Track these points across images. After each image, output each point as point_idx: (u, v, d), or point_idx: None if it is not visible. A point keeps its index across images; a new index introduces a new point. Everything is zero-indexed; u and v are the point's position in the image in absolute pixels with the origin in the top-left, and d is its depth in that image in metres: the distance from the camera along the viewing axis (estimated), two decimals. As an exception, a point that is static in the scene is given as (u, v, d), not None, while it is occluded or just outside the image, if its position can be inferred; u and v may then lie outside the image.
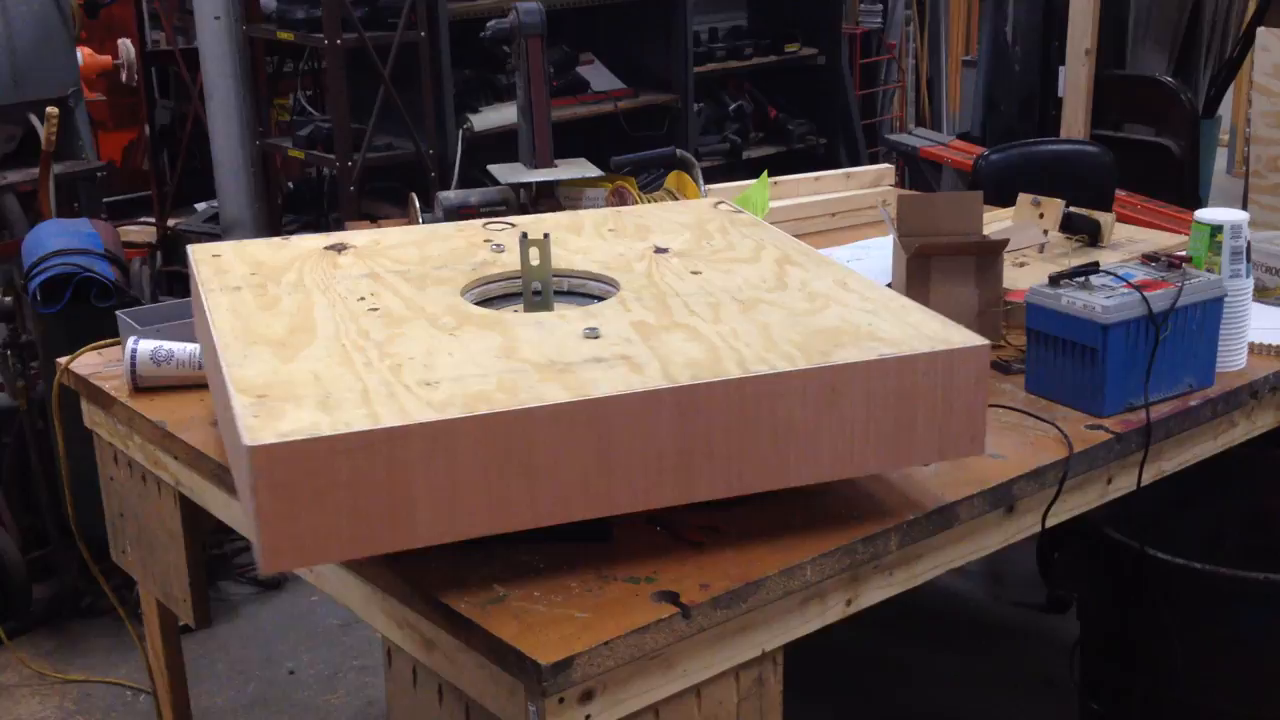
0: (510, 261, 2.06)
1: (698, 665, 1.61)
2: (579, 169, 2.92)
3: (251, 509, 1.46)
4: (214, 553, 3.66)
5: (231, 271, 2.03)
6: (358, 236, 2.22)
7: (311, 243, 2.17)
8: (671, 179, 2.79)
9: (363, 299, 1.90)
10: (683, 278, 2.00)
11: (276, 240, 2.18)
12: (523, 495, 1.54)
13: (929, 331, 1.74)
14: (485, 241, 2.19)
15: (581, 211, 2.46)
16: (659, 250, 2.12)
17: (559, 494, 1.56)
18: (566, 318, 1.84)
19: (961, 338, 1.72)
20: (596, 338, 1.74)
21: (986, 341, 1.73)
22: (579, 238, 2.22)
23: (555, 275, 2.00)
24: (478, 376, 1.61)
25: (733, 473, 1.63)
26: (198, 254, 2.11)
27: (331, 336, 1.76)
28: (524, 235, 1.95)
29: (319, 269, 2.04)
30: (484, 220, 2.31)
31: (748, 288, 1.94)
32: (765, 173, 2.95)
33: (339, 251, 2.12)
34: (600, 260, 2.09)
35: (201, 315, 1.94)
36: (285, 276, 2.00)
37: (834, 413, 1.65)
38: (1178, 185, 4.73)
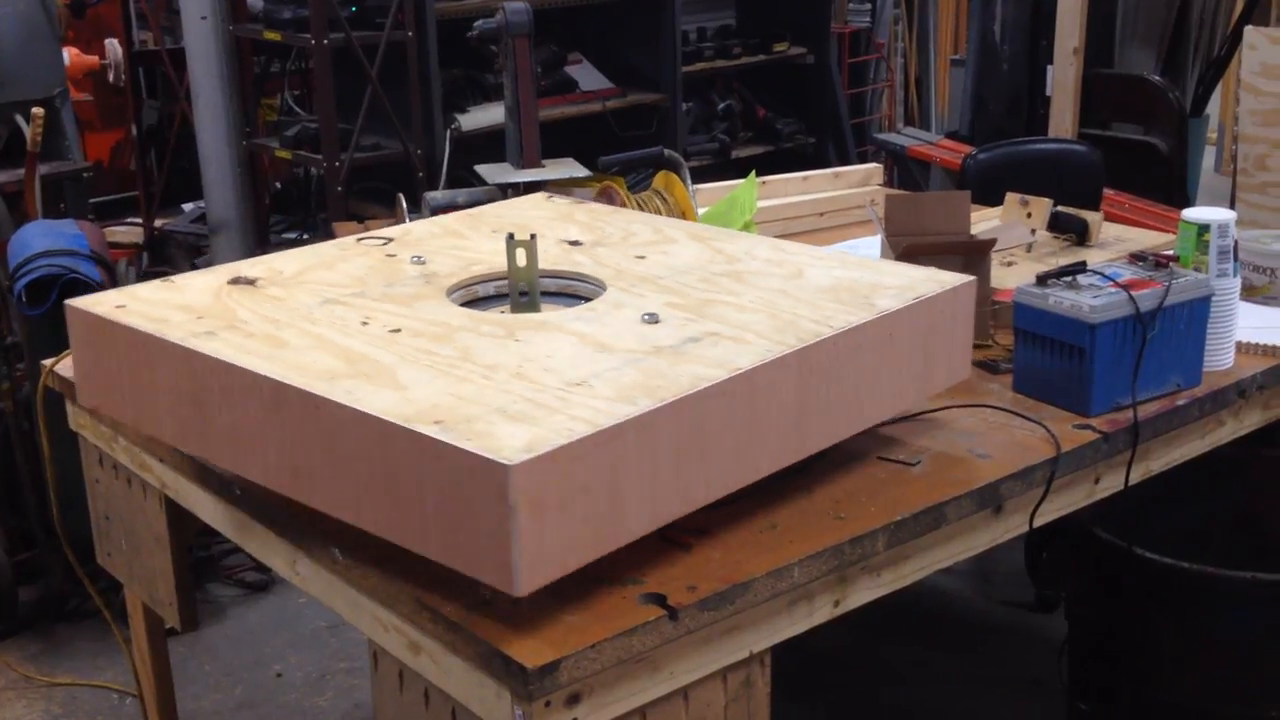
0: (443, 271, 2.02)
1: (685, 667, 1.60)
2: (566, 169, 2.92)
3: (507, 529, 1.40)
4: (201, 554, 3.65)
5: (170, 319, 1.81)
6: (252, 268, 2.03)
7: (202, 280, 1.98)
8: (659, 179, 2.78)
9: (367, 322, 1.80)
10: (643, 264, 2.04)
11: (158, 282, 1.97)
12: (700, 474, 1.60)
13: (919, 275, 1.95)
14: (390, 256, 2.09)
15: (439, 218, 2.38)
16: (573, 243, 2.14)
17: (724, 468, 1.64)
18: (613, 309, 1.86)
19: (951, 277, 1.95)
20: (658, 322, 1.79)
21: (972, 277, 1.96)
22: (468, 239, 2.21)
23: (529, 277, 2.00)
24: (612, 370, 1.63)
25: (830, 424, 1.78)
26: (101, 310, 1.85)
27: (402, 361, 1.66)
28: (510, 236, 1.94)
29: (263, 305, 1.87)
30: (358, 235, 2.21)
31: (708, 264, 2.04)
32: (753, 172, 2.95)
33: (251, 284, 1.95)
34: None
35: (198, 363, 1.72)
36: (238, 315, 1.84)
37: (891, 355, 1.84)
38: (1166, 184, 4.74)
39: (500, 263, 2.01)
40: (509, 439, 1.43)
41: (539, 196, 2.52)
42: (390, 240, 2.19)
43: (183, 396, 1.76)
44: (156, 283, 1.98)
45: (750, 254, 2.10)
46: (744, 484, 1.68)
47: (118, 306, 1.87)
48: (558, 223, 2.31)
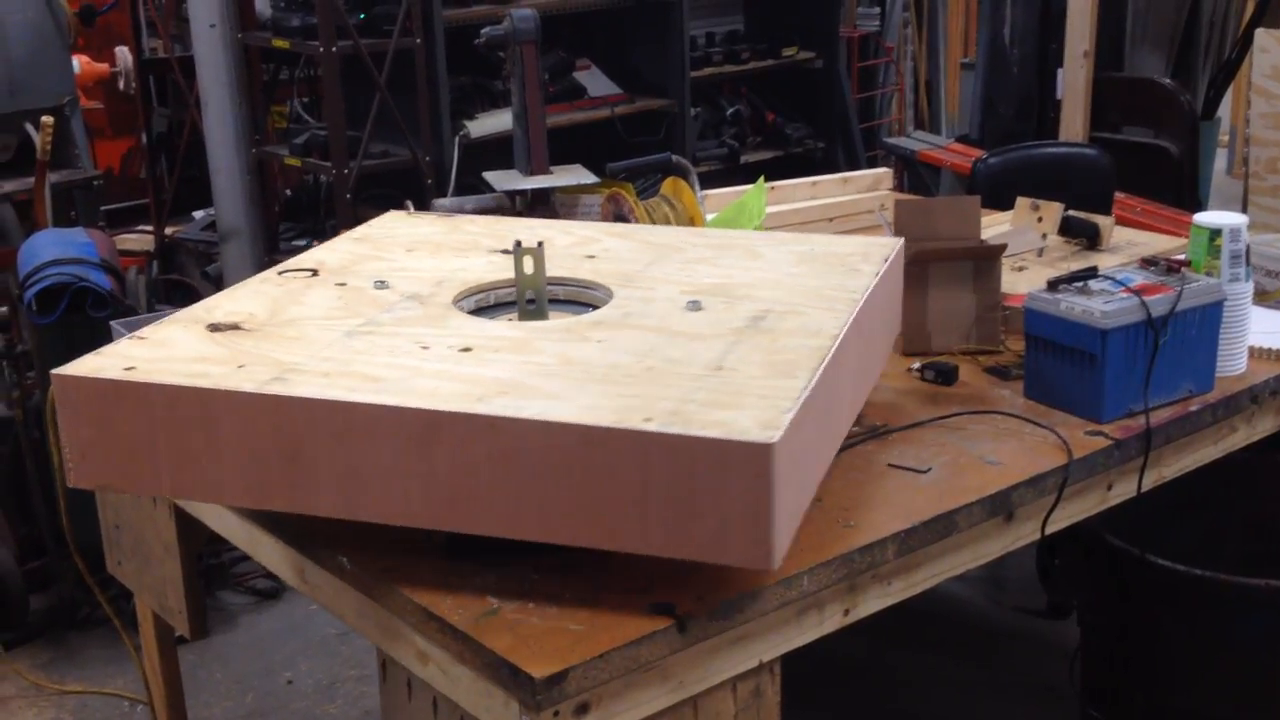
0: (422, 291, 1.97)
1: (694, 677, 1.59)
2: (574, 176, 2.91)
3: (766, 507, 1.44)
4: (212, 562, 3.65)
5: (208, 372, 1.66)
6: (211, 313, 1.88)
7: (174, 331, 1.81)
8: (667, 185, 2.77)
9: (427, 347, 1.73)
10: (604, 263, 2.09)
11: (129, 340, 1.79)
12: (829, 436, 1.77)
13: (862, 242, 2.15)
14: (341, 285, 1.99)
15: (333, 242, 2.28)
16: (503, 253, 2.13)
17: (841, 427, 1.86)
18: (645, 305, 1.90)
19: (889, 240, 2.17)
20: (702, 308, 1.86)
21: (899, 240, 2.14)
22: (393, 258, 2.14)
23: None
24: (728, 352, 1.70)
25: (860, 392, 1.98)
26: (112, 374, 1.65)
27: (522, 373, 1.64)
28: (517, 244, 1.93)
29: (284, 346, 1.75)
30: (279, 269, 2.07)
31: (664, 256, 2.12)
32: (762, 178, 2.94)
33: (236, 328, 1.81)
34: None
35: (293, 412, 1.57)
36: (278, 359, 1.70)
37: (878, 318, 2.02)
38: (1177, 187, 4.71)
39: (454, 278, 2.01)
40: (743, 422, 1.47)
41: (428, 215, 2.44)
42: (315, 271, 2.05)
43: (262, 451, 1.59)
44: (128, 340, 1.78)
45: (689, 243, 2.19)
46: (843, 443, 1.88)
47: (127, 369, 1.66)
48: (453, 235, 2.28)
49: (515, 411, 1.51)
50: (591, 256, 2.13)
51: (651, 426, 1.46)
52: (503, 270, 2.05)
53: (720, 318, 1.83)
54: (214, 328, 1.81)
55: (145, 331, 1.82)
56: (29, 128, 4.05)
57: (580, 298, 2.02)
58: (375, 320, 1.85)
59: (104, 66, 6.21)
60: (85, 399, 1.65)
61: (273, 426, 1.58)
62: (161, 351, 1.73)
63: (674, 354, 1.70)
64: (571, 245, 2.20)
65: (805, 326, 1.77)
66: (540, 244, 1.93)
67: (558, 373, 1.64)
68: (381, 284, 1.99)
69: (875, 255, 2.08)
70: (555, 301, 2.00)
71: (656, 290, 1.96)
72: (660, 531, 1.49)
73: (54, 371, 1.66)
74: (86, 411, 1.66)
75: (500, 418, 1.51)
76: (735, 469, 1.43)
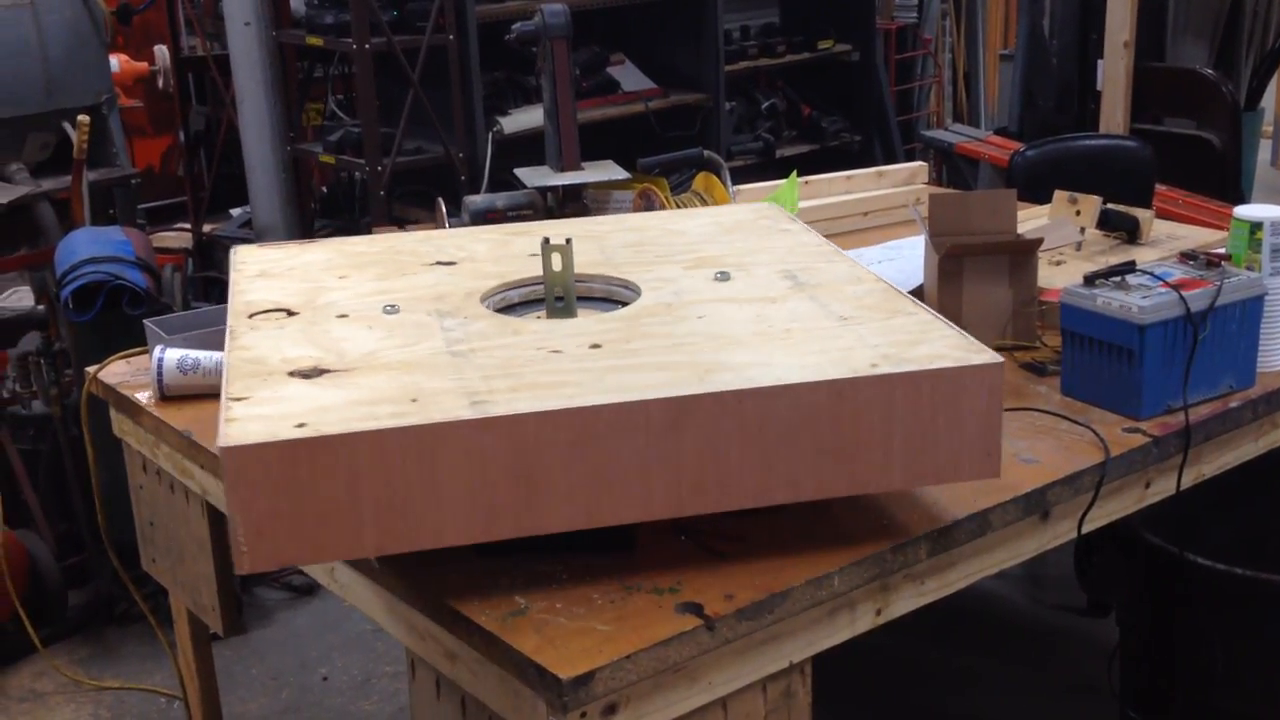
0: (423, 308, 1.88)
1: (723, 678, 1.58)
2: (606, 172, 2.90)
3: (996, 420, 1.62)
4: (248, 558, 3.66)
5: (374, 413, 1.51)
6: (268, 364, 1.69)
7: (277, 387, 1.61)
8: (699, 180, 2.76)
9: (559, 351, 1.70)
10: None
11: (241, 405, 1.55)
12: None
13: (943, 349, 1.84)
14: (343, 317, 1.84)
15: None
16: (445, 264, 2.06)
17: None
18: (676, 285, 1.94)
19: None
20: (730, 279, 1.94)
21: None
22: (352, 282, 1.99)
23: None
24: (828, 305, 1.82)
25: None
26: (303, 433, 1.47)
27: (711, 349, 1.68)
28: (545, 241, 1.92)
29: (413, 374, 1.63)
30: (250, 312, 1.87)
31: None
32: (794, 172, 2.92)
33: (328, 374, 1.65)
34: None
35: (525, 428, 1.49)
36: (425, 384, 1.59)
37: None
38: (1219, 179, 4.65)
39: (437, 292, 1.93)
40: (953, 351, 1.64)
41: (270, 246, 2.22)
42: (292, 313, 1.86)
43: (490, 479, 1.50)
44: (242, 404, 1.55)
45: (605, 231, 2.22)
46: None
47: (299, 425, 1.47)
48: (339, 257, 2.15)
49: (757, 381, 1.55)
50: (535, 255, 2.01)
51: (889, 369, 1.58)
52: (453, 280, 1.98)
53: (759, 283, 1.93)
54: (307, 375, 1.63)
55: (244, 393, 1.58)
56: (67, 126, 4.08)
57: (594, 294, 2.01)
58: (458, 339, 1.75)
59: (143, 65, 6.26)
60: (268, 468, 1.44)
61: (506, 449, 1.49)
62: (304, 404, 1.54)
63: (788, 316, 1.79)
64: (431, 253, 2.10)
65: (836, 275, 1.93)
66: (568, 241, 1.92)
67: (727, 344, 1.69)
68: (392, 308, 1.86)
69: (770, 213, 2.27)
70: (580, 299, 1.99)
71: (661, 272, 1.99)
72: (902, 467, 1.62)
73: (222, 446, 1.43)
74: (269, 482, 1.44)
75: (748, 389, 1.54)
76: (970, 392, 1.59)
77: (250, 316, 1.84)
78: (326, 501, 1.46)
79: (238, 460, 1.43)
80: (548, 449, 1.50)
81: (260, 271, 2.04)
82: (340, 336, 1.76)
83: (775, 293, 1.89)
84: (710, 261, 2.04)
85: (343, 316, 1.84)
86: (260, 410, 1.52)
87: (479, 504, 1.50)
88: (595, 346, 1.70)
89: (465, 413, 1.48)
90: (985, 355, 1.63)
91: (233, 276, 2.03)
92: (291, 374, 1.63)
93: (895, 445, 1.60)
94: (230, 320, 1.83)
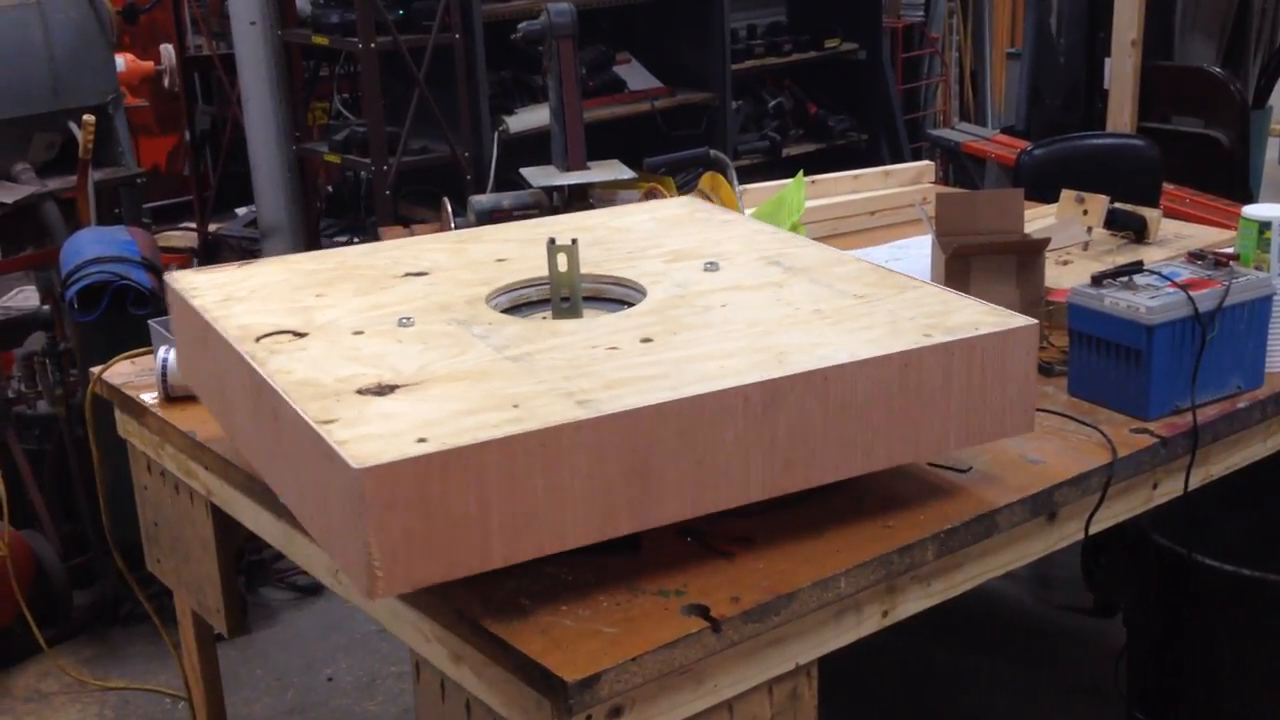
0: (436, 317, 1.85)
1: (729, 680, 1.57)
2: (612, 171, 2.89)
3: (1031, 376, 1.76)
4: (253, 558, 3.66)
5: (505, 419, 1.49)
6: (325, 383, 1.63)
7: (359, 406, 1.56)
8: (705, 180, 2.75)
9: (615, 348, 1.71)
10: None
11: (334, 418, 1.52)
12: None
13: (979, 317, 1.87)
14: (358, 334, 1.79)
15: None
16: (418, 274, 2.03)
17: None
18: (673, 275, 1.97)
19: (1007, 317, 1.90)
20: (719, 269, 1.97)
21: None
22: (332, 302, 1.92)
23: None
24: (842, 284, 1.91)
25: None
26: (409, 449, 1.42)
27: (763, 333, 1.73)
28: (551, 241, 1.91)
29: (492, 382, 1.61)
30: (258, 336, 1.79)
31: (607, 239, 2.18)
32: (801, 172, 2.90)
33: (396, 390, 1.60)
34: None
35: (635, 421, 1.50)
36: (510, 390, 1.58)
37: None
38: (1227, 178, 4.63)
39: (428, 303, 1.89)
40: (986, 318, 1.75)
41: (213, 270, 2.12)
42: (302, 335, 1.78)
43: (608, 477, 1.50)
44: (334, 426, 1.49)
45: (588, 225, 2.23)
46: None
47: (420, 440, 1.44)
48: (314, 275, 2.09)
49: (832, 359, 1.62)
50: (503, 260, 2.06)
51: (944, 338, 1.68)
52: (441, 290, 1.94)
53: (750, 271, 1.98)
54: (379, 392, 1.58)
55: (326, 415, 1.51)
56: (72, 126, 4.08)
57: (585, 293, 1.99)
58: (501, 345, 1.72)
59: (149, 64, 6.27)
60: (402, 486, 1.39)
61: (622, 445, 1.50)
62: (404, 421, 1.50)
63: (805, 298, 1.85)
64: (390, 265, 2.06)
65: (816, 258, 2.01)
66: (574, 241, 1.91)
67: (757, 331, 1.74)
68: (407, 321, 1.81)
69: (701, 207, 2.36)
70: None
71: (644, 268, 2.01)
72: (956, 430, 1.72)
73: (360, 468, 1.37)
74: (403, 501, 1.40)
75: (831, 368, 1.61)
76: (1014, 354, 1.72)
77: (258, 340, 1.77)
78: (456, 515, 1.44)
79: (375, 481, 1.38)
80: (658, 442, 1.52)
81: (225, 296, 1.93)
82: (377, 352, 1.71)
83: (773, 278, 1.94)
84: (686, 254, 2.06)
85: (359, 333, 1.78)
86: (363, 430, 1.47)
87: (598, 502, 1.51)
88: (646, 340, 1.72)
89: (579, 413, 1.49)
90: (1021, 319, 1.74)
91: (194, 304, 1.90)
92: (359, 392, 1.59)
93: (952, 409, 1.70)
94: (238, 347, 1.74)
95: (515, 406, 1.52)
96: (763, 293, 1.88)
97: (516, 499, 1.46)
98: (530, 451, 1.45)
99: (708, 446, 1.55)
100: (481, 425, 1.47)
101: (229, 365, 1.77)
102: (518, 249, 2.14)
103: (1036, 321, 1.75)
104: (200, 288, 1.99)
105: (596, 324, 1.82)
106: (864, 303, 1.82)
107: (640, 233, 2.21)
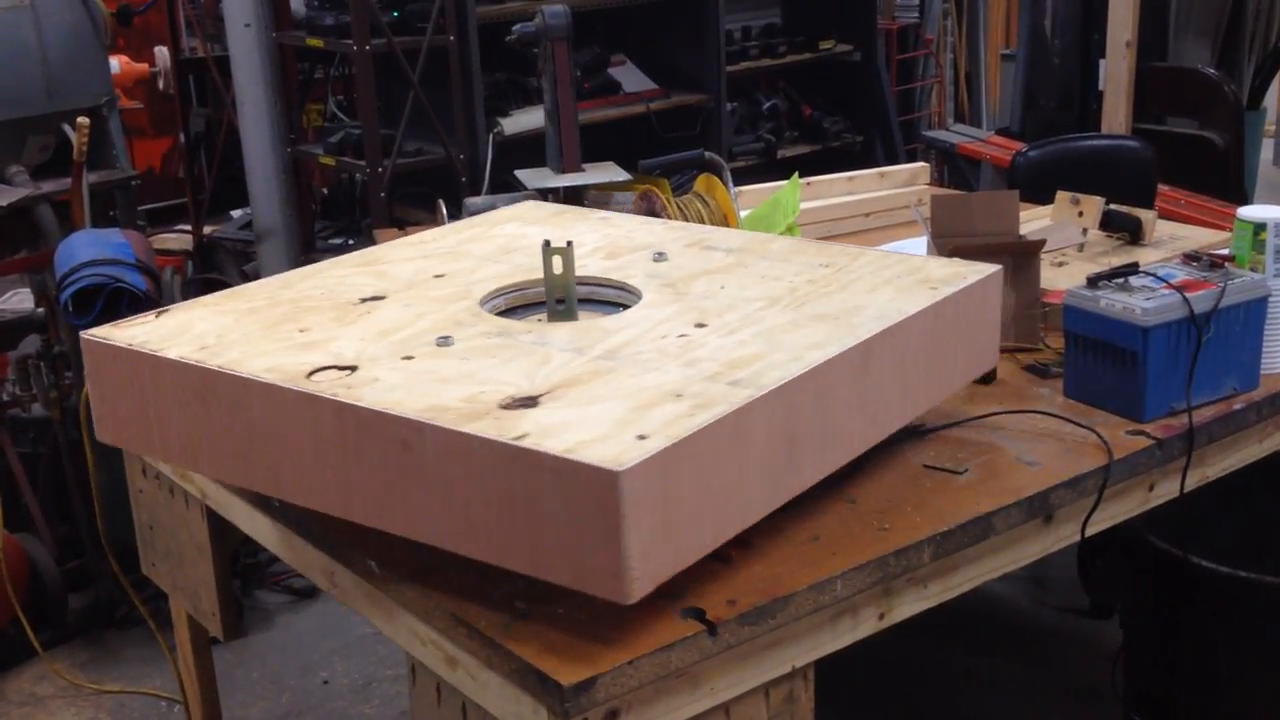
0: (476, 330, 1.82)
1: (726, 683, 1.57)
2: (607, 173, 2.89)
3: (995, 313, 2.00)
4: (248, 561, 3.66)
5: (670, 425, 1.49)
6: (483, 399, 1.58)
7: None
8: (700, 182, 2.75)
9: (666, 337, 1.74)
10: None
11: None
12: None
13: (958, 269, 2.02)
14: (406, 358, 1.71)
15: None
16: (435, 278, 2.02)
17: None
18: (675, 271, 2.00)
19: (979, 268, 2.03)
20: (668, 258, 2.05)
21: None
22: (312, 330, 1.83)
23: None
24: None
25: None
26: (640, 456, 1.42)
27: (783, 328, 1.77)
28: (546, 243, 1.91)
29: (596, 386, 1.61)
30: (306, 374, 1.66)
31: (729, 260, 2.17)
32: (796, 174, 2.90)
33: (534, 402, 1.57)
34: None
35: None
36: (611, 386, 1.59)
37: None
38: (1222, 179, 4.64)
39: (443, 317, 1.85)
40: (962, 269, 1.95)
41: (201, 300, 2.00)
42: (352, 368, 1.67)
43: (773, 449, 1.57)
44: (531, 439, 1.45)
45: (478, 237, 2.26)
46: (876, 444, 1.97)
47: (641, 438, 1.44)
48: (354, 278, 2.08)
49: (892, 319, 1.76)
50: (441, 276, 2.02)
51: (948, 290, 1.86)
52: (428, 308, 1.89)
53: (698, 258, 2.06)
54: (526, 404, 1.54)
55: (502, 434, 1.47)
56: (67, 128, 4.07)
57: (600, 297, 2.00)
58: (565, 347, 1.72)
59: (144, 66, 6.25)
60: (649, 484, 1.41)
61: (784, 418, 1.59)
62: (595, 427, 1.49)
63: (786, 273, 1.95)
64: (341, 292, 1.98)
65: (740, 240, 2.14)
66: (569, 243, 1.91)
67: (793, 301, 1.85)
68: (445, 339, 1.75)
69: (547, 206, 2.44)
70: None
71: (597, 266, 2.05)
72: (960, 369, 1.93)
73: (620, 470, 1.37)
74: (650, 499, 1.41)
75: (897, 325, 1.76)
76: (990, 297, 1.95)
77: (309, 376, 1.65)
78: (684, 506, 1.47)
79: (633, 482, 1.38)
80: (799, 410, 1.62)
81: (199, 346, 1.76)
82: (463, 372, 1.65)
83: (730, 261, 2.04)
84: (616, 251, 2.12)
85: (408, 358, 1.70)
86: (564, 439, 1.44)
87: (765, 474, 1.59)
88: (700, 325, 1.77)
89: (745, 392, 1.54)
90: (989, 267, 1.96)
91: (170, 357, 1.73)
92: (504, 407, 1.54)
93: (959, 350, 1.89)
94: (298, 388, 1.61)
95: (678, 396, 1.54)
96: (736, 273, 1.98)
97: (721, 483, 1.52)
98: (733, 437, 1.52)
99: (832, 409, 1.68)
100: (677, 416, 1.49)
101: (272, 412, 1.63)
102: (440, 264, 2.08)
103: (1000, 267, 1.96)
104: (153, 340, 1.78)
105: (625, 318, 1.83)
106: (843, 272, 1.95)
107: (534, 237, 2.12)
